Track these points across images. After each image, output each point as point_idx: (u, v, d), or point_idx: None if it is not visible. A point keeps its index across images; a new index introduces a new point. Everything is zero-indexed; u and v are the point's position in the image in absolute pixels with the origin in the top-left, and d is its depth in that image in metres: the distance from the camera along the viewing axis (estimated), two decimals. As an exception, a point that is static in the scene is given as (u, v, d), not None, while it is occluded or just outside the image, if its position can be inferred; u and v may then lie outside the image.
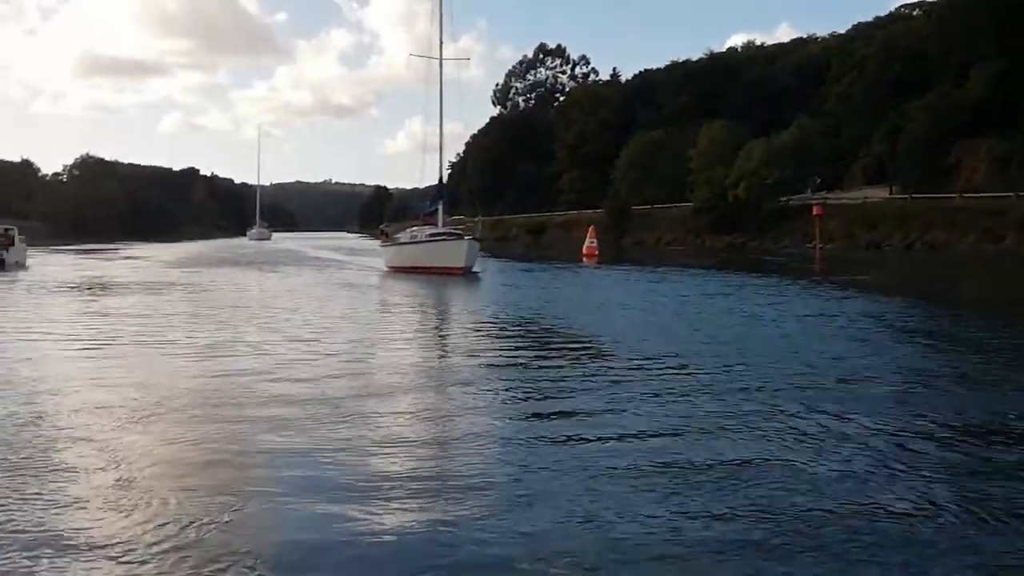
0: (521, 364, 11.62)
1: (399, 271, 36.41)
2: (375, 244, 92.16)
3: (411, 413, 8.66)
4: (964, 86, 55.80)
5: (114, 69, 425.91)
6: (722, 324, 15.84)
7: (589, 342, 13.70)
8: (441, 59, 39.55)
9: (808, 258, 39.67)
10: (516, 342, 14.33)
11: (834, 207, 53.82)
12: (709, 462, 6.52)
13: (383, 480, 6.17)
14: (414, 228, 39.87)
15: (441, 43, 39.54)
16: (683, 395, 9.16)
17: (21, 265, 39.35)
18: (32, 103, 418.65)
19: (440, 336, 16.76)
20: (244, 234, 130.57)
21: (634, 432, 7.50)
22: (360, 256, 54.51)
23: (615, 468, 6.36)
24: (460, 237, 34.40)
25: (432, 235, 36.45)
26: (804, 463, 6.47)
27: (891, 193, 58.73)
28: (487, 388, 9.74)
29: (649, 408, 8.55)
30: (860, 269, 31.92)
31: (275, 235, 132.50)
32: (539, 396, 9.45)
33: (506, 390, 9.67)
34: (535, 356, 12.34)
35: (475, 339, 15.18)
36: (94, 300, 23.25)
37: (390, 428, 7.88)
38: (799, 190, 64.32)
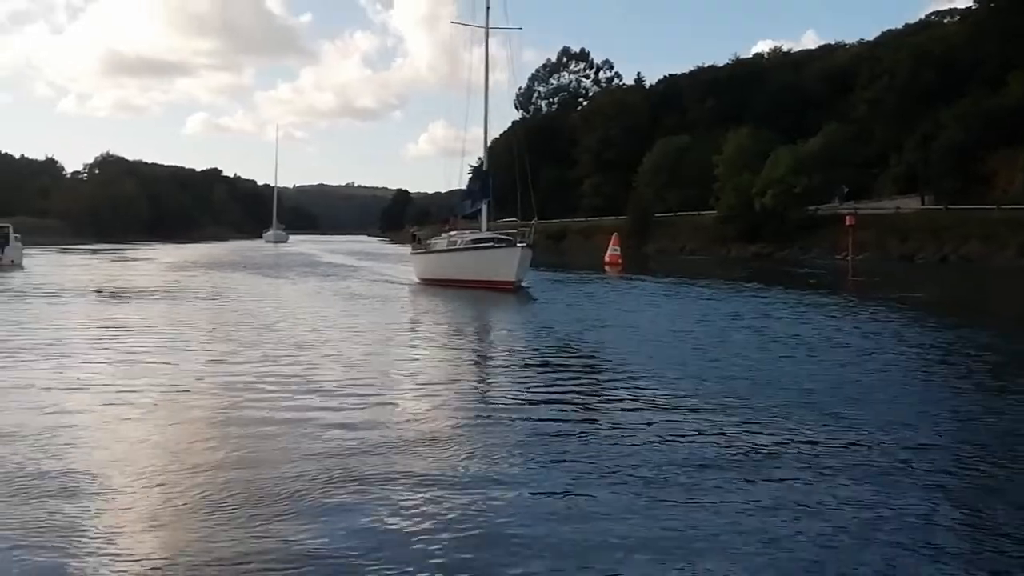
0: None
1: (434, 284, 30.84)
2: (395, 248, 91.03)
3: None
4: (1000, 93, 54.17)
5: (140, 69, 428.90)
6: (820, 365, 12.62)
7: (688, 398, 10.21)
8: (488, 27, 34.09)
9: (840, 270, 38.14)
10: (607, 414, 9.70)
11: (864, 217, 52.23)
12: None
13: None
14: (452, 232, 33.49)
15: (488, 7, 34.19)
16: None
17: (17, 264, 38.64)
18: (59, 102, 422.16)
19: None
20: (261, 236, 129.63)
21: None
22: (378, 262, 53.03)
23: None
24: (511, 243, 28.53)
25: (476, 241, 30.60)
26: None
27: (923, 203, 57.14)
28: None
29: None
30: (903, 284, 30.41)
31: (293, 238, 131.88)
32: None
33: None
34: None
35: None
36: (63, 305, 22.15)
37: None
38: (826, 199, 62.90)
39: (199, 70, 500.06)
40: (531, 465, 7.18)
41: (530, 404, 9.84)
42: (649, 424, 8.75)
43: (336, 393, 10.16)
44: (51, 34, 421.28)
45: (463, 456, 7.40)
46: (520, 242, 28.08)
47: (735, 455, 7.54)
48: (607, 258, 44.59)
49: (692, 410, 9.41)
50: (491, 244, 29.48)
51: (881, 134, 66.04)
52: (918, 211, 55.13)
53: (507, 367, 12.88)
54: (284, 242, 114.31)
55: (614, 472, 6.96)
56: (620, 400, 10.13)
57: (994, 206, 47.63)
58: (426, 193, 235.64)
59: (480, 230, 32.68)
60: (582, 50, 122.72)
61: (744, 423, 8.72)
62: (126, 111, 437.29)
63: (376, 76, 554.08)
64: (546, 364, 12.83)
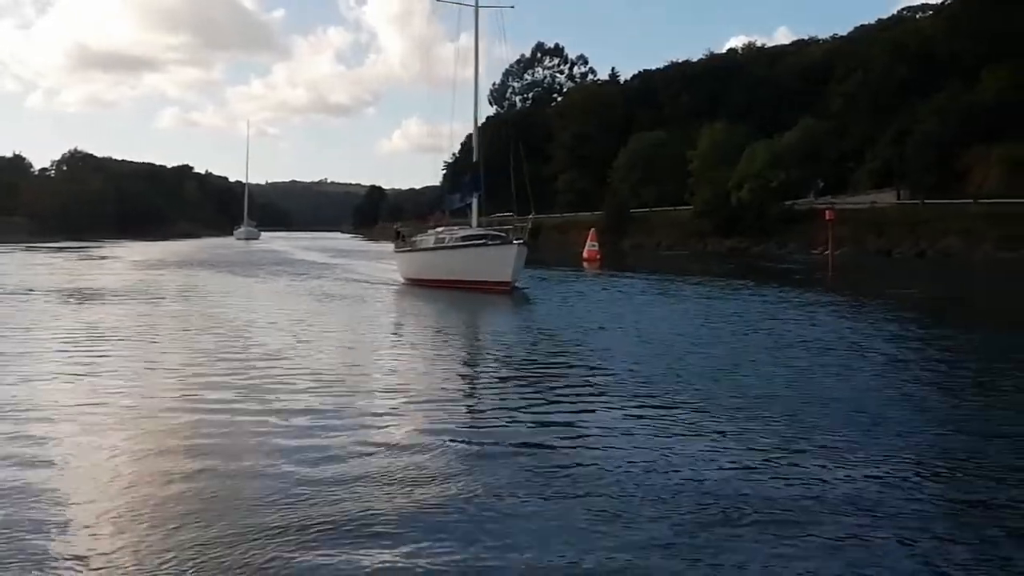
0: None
1: (420, 284, 28.92)
2: (369, 245, 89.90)
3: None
4: (975, 89, 54.28)
5: (110, 64, 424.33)
6: (839, 373, 11.40)
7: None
8: (477, 5, 31.75)
9: (820, 265, 37.89)
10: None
11: (841, 212, 52.01)
12: None
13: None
14: (440, 229, 31.28)
15: None
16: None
17: None
18: (27, 97, 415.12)
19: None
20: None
21: None
22: (353, 259, 51.91)
23: None
24: (506, 241, 26.34)
25: (467, 238, 28.38)
26: None
27: (899, 198, 57.17)
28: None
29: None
30: (891, 280, 29.99)
31: (265, 234, 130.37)
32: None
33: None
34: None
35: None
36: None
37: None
38: (802, 194, 62.92)
39: (170, 65, 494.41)
40: (537, 519, 5.77)
41: (537, 430, 8.39)
42: (701, 459, 7.23)
43: (309, 413, 8.85)
44: (18, 28, 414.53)
45: (457, 498, 6.16)
46: (516, 239, 25.84)
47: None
48: (585, 254, 44.11)
49: (741, 436, 7.92)
50: (484, 241, 27.29)
51: (857, 129, 66.13)
52: (894, 205, 55.15)
53: (507, 383, 11.08)
54: (255, 239, 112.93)
55: (654, 540, 5.41)
56: (648, 426, 8.48)
57: (971, 200, 47.67)
58: (400, 189, 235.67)
59: (471, 226, 30.58)
60: (556, 45, 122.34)
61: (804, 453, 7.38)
62: (95, 106, 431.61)
63: (349, 72, 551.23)
64: (552, 378, 11.19)
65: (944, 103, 54.54)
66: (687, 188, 69.84)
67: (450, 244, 28.76)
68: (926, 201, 51.00)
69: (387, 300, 25.16)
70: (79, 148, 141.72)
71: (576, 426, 8.60)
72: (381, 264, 42.98)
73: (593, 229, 48.41)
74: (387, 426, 8.42)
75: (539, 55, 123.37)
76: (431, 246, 30.12)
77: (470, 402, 10.29)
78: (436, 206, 36.19)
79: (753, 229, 59.05)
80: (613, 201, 77.33)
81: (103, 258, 50.15)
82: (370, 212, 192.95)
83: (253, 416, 8.76)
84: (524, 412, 9.12)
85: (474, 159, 32.60)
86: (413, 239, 32.96)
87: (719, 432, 8.11)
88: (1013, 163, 49.51)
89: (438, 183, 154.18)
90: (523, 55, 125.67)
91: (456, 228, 30.67)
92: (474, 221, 31.04)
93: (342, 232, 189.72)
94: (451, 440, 7.79)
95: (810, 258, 46.34)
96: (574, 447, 7.69)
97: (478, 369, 12.87)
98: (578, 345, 14.15)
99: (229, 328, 16.50)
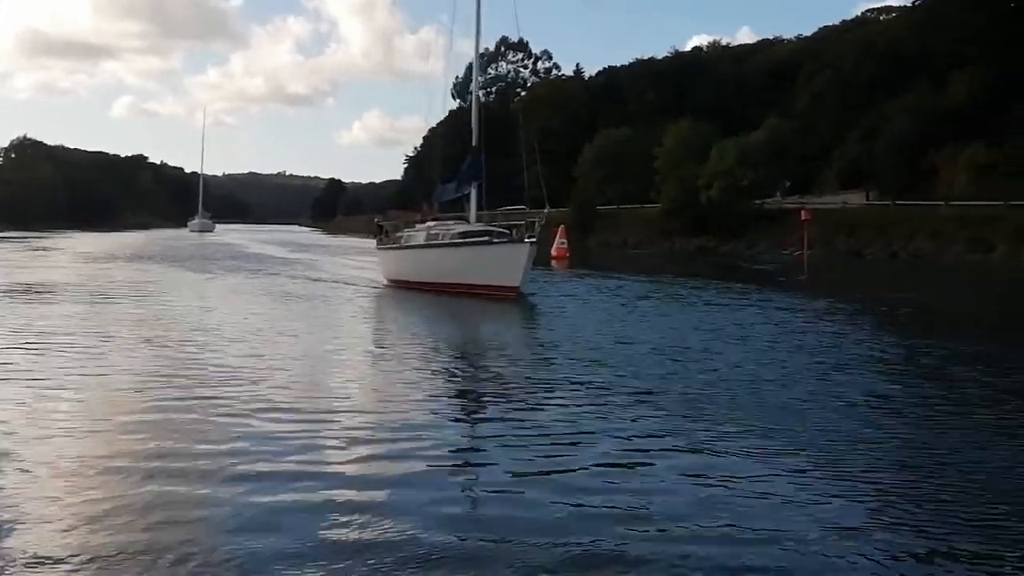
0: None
1: (406, 286, 25.85)
2: (330, 239, 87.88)
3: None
4: (944, 90, 53.95)
5: (65, 51, 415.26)
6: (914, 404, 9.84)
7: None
8: None
9: (794, 266, 37.03)
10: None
11: (811, 212, 51.64)
12: None
13: None
14: (431, 224, 27.79)
15: None
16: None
17: None
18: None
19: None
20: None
21: None
22: (314, 254, 49.94)
23: None
24: (517, 239, 23.14)
25: (466, 235, 25.18)
26: None
27: (868, 198, 56.71)
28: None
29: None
30: (878, 283, 29.06)
31: (221, 227, 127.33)
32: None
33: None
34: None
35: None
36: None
37: None
38: (769, 193, 62.43)
39: (126, 53, 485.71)
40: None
41: (564, 480, 6.69)
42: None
43: (272, 458, 7.10)
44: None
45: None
46: (528, 237, 22.70)
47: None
48: (554, 252, 42.86)
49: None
50: (488, 239, 24.07)
51: (824, 128, 65.65)
52: (864, 206, 54.66)
53: (519, 413, 9.10)
54: (210, 231, 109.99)
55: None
56: (713, 475, 6.94)
57: (941, 202, 47.22)
58: (360, 183, 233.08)
59: (467, 221, 27.32)
60: (520, 40, 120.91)
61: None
62: (49, 94, 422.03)
63: (308, 62, 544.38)
64: (579, 406, 9.33)
65: (913, 103, 54.14)
66: (653, 186, 68.95)
67: (446, 241, 25.44)
68: (897, 202, 50.45)
69: (364, 304, 22.43)
70: (28, 135, 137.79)
71: (611, 465, 7.23)
72: (347, 260, 41.40)
73: (562, 226, 47.17)
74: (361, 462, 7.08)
75: (503, 49, 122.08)
76: (422, 243, 26.60)
77: (470, 442, 8.20)
78: (424, 197, 33.33)
79: (722, 228, 58.28)
80: (579, 197, 76.20)
81: (48, 250, 47.89)
82: (329, 205, 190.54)
83: (204, 446, 7.50)
84: (542, 459, 7.24)
85: (474, 142, 28.38)
86: (398, 234, 29.23)
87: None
88: (981, 166, 49.16)
89: (399, 177, 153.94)
90: (487, 49, 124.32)
91: (451, 223, 27.37)
92: (472, 215, 27.56)
93: (300, 225, 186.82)
94: (455, 495, 6.49)
95: (782, 258, 45.58)
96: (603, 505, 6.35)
97: (477, 394, 10.56)
98: (596, 364, 12.08)
99: (175, 337, 14.45)
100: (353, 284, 28.09)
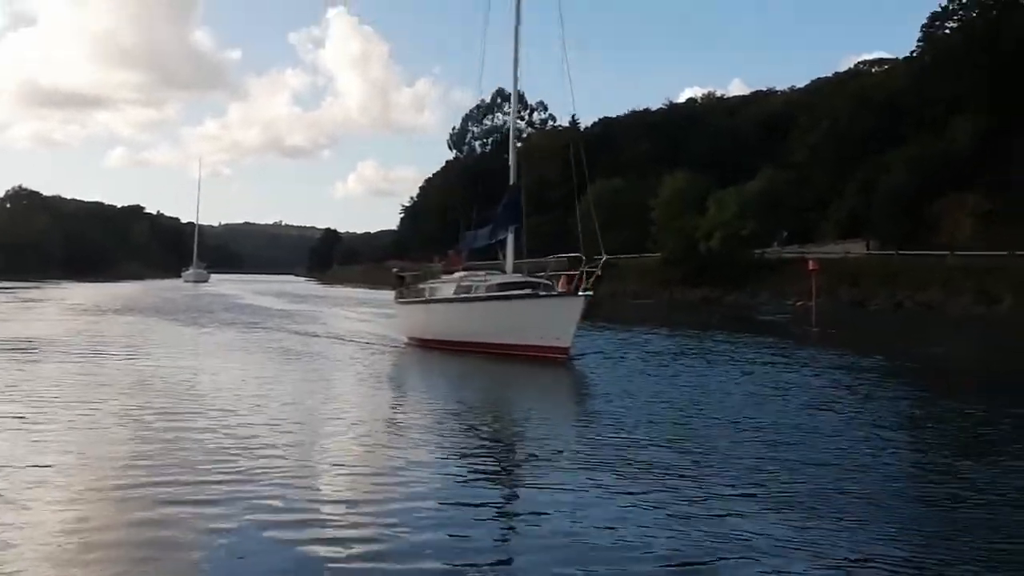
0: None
1: (431, 346, 22.96)
2: (326, 290, 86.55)
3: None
4: (945, 139, 53.90)
5: (61, 101, 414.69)
6: None
7: None
8: None
9: (802, 317, 36.42)
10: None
11: (805, 262, 51.25)
12: None
13: None
14: (461, 274, 24.34)
15: None
16: None
17: None
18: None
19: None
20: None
21: None
22: (312, 305, 49.12)
23: None
24: (569, 292, 20.05)
25: (504, 286, 21.98)
26: None
27: (868, 248, 56.33)
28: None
29: None
30: (895, 335, 28.12)
31: (215, 277, 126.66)
32: None
33: None
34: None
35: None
36: None
37: None
38: (768, 243, 62.18)
39: (122, 104, 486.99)
40: None
41: None
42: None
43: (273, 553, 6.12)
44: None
45: None
46: (583, 291, 19.60)
47: None
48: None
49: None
50: (532, 292, 21.06)
51: (820, 179, 65.60)
52: (868, 256, 54.25)
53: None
54: (205, 282, 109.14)
55: None
56: None
57: (946, 252, 46.77)
58: (355, 233, 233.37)
59: (505, 271, 23.88)
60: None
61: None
62: (44, 144, 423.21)
63: (306, 115, 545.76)
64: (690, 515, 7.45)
65: (914, 153, 54.04)
66: (649, 236, 68.62)
67: (482, 294, 22.13)
68: (901, 252, 50.03)
69: (380, 367, 19.43)
70: (24, 186, 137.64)
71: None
72: (347, 312, 40.53)
73: (564, 276, 46.37)
74: None
75: (499, 100, 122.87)
76: (452, 296, 23.26)
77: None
78: (449, 245, 30.25)
79: (722, 278, 57.78)
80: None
81: (37, 301, 46.84)
82: (325, 255, 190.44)
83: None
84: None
85: (511, 179, 25.12)
86: (421, 286, 25.94)
87: None
88: (984, 214, 48.90)
89: (394, 227, 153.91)
90: (483, 100, 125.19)
91: (483, 273, 23.90)
92: (509, 264, 24.10)
93: (296, 275, 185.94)
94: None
95: (785, 308, 44.93)
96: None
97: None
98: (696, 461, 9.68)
99: (161, 405, 12.69)
100: (358, 340, 25.74)
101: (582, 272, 20.39)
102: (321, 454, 9.91)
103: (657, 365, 19.58)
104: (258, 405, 12.99)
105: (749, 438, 10.97)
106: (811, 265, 35.17)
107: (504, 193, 25.11)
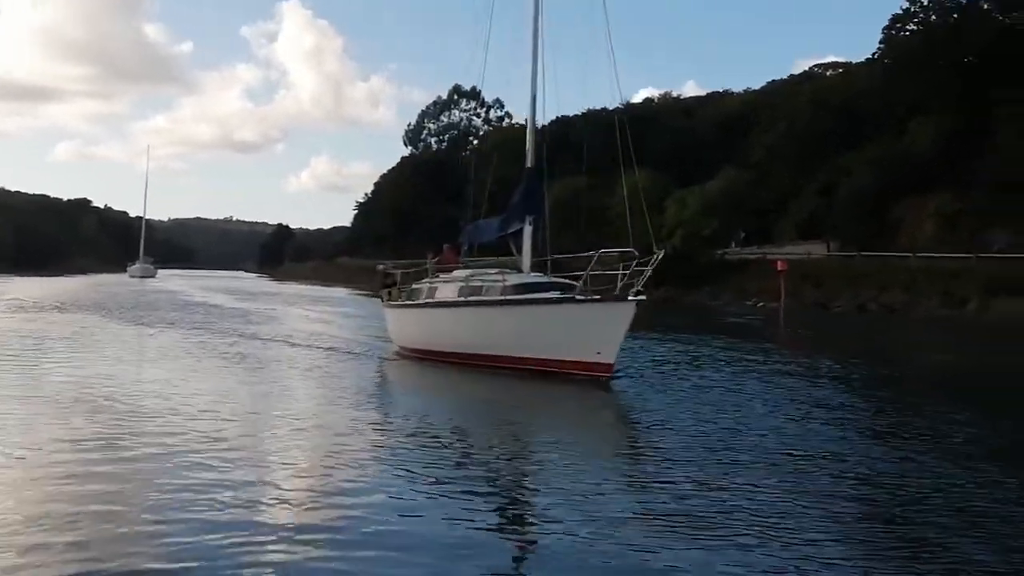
0: None
1: (433, 358, 19.29)
2: (278, 287, 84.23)
3: None
4: (905, 141, 53.88)
5: (6, 93, 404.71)
6: None
7: None
8: None
9: (769, 318, 35.77)
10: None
11: (775, 262, 50.77)
12: None
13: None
14: (464, 273, 20.06)
15: None
16: None
17: None
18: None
19: None
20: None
21: None
22: (264, 303, 47.19)
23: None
24: (618, 295, 16.13)
25: (525, 287, 18.14)
26: None
27: (829, 249, 56.13)
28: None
29: None
30: (861, 339, 27.33)
31: (164, 272, 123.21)
32: None
33: None
34: None
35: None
36: None
37: None
38: (726, 244, 61.92)
39: (71, 96, 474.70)
40: None
41: None
42: None
43: None
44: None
45: None
46: (633, 293, 15.80)
47: None
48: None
49: None
50: (566, 294, 17.16)
51: (779, 179, 65.47)
52: (830, 257, 54.01)
53: None
54: (152, 277, 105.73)
55: None
56: None
57: (909, 254, 46.58)
58: (308, 229, 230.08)
59: (522, 269, 20.02)
60: (473, 88, 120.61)
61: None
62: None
63: (258, 109, 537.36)
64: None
65: (875, 154, 53.95)
66: (606, 235, 67.95)
67: (498, 297, 18.13)
68: (863, 253, 49.79)
69: (364, 384, 16.16)
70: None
71: None
72: (301, 311, 38.81)
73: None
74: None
75: (456, 97, 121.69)
76: (457, 299, 19.26)
77: None
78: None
79: (683, 278, 57.17)
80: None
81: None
82: (277, 251, 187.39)
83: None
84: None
85: (528, 161, 21.17)
86: (416, 286, 21.68)
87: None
88: (945, 215, 48.86)
89: (348, 224, 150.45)
90: (440, 97, 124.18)
91: (494, 271, 19.58)
92: (526, 261, 20.19)
93: (246, 271, 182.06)
94: None
95: (750, 309, 44.37)
96: None
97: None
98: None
99: (95, 431, 10.20)
100: (322, 347, 22.28)
101: (632, 270, 16.51)
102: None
103: (656, 372, 17.78)
104: (213, 439, 9.90)
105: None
106: (780, 266, 34.59)
107: (521, 180, 21.29)
